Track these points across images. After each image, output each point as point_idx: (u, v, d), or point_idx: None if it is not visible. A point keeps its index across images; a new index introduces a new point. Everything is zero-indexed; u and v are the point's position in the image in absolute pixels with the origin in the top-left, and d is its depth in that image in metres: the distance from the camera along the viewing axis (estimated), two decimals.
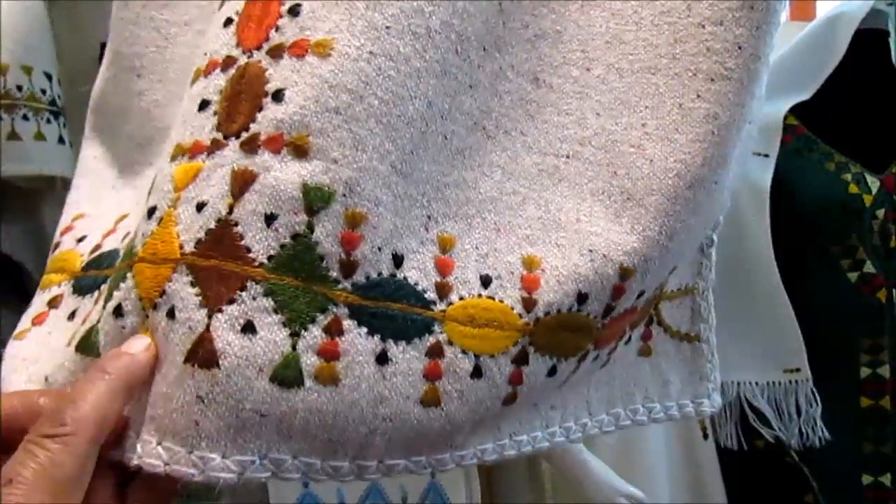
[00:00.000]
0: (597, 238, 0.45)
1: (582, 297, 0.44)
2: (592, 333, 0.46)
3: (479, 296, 0.43)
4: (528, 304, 0.43)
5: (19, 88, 0.73)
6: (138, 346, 0.38)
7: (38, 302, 0.49)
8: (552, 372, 0.45)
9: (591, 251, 0.44)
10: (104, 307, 0.41)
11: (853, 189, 0.89)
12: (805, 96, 0.92)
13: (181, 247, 0.38)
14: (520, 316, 0.43)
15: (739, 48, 0.45)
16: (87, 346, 0.41)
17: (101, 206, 0.53)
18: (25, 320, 0.48)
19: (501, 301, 0.43)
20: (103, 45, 0.82)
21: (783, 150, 0.90)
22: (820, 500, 0.87)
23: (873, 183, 0.90)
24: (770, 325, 0.88)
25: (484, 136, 0.45)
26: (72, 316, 0.46)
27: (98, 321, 0.41)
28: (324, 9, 0.40)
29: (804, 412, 0.87)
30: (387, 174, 0.40)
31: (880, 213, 0.89)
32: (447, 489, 0.80)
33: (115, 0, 0.56)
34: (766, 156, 0.89)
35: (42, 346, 0.46)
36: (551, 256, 0.45)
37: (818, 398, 0.87)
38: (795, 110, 0.93)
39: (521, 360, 0.43)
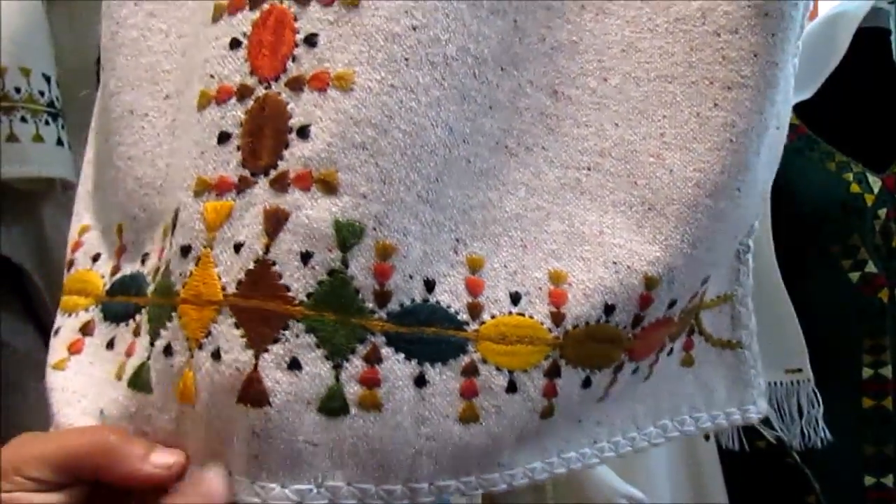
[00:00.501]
0: (620, 250, 0.45)
1: (609, 309, 0.44)
2: (623, 344, 0.46)
3: (510, 313, 0.44)
4: (557, 318, 0.44)
5: (17, 90, 0.73)
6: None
7: (68, 327, 0.50)
8: (587, 384, 0.46)
9: (615, 263, 0.45)
10: (152, 344, 0.43)
11: (854, 189, 0.89)
12: (806, 95, 0.92)
13: (223, 288, 0.39)
14: (549, 330, 0.44)
15: (755, 56, 0.45)
16: (139, 382, 0.43)
17: (92, 212, 0.53)
18: (59, 348, 0.49)
19: (531, 317, 0.44)
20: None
21: (784, 149, 0.90)
22: (822, 501, 0.87)
23: (875, 182, 0.89)
24: (771, 326, 0.87)
25: (507, 155, 0.45)
26: (110, 345, 0.48)
27: (148, 358, 0.43)
28: (341, 39, 0.40)
29: (806, 413, 0.87)
30: (413, 204, 0.41)
31: (882, 212, 0.88)
32: None
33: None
34: None
35: (87, 378, 0.47)
36: (577, 270, 0.45)
37: (820, 399, 0.87)
38: (796, 109, 0.93)
39: (553, 372, 0.44)
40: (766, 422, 0.87)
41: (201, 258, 0.41)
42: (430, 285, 0.42)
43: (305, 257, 0.39)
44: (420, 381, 0.41)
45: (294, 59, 0.41)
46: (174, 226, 0.44)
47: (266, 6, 0.42)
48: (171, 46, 0.50)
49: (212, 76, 0.43)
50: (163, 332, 0.42)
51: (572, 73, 0.47)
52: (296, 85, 0.40)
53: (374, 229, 0.39)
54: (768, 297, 0.87)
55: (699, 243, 0.46)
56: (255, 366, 0.38)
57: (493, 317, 0.43)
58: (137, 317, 0.46)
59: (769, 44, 0.45)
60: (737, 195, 0.46)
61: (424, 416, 0.41)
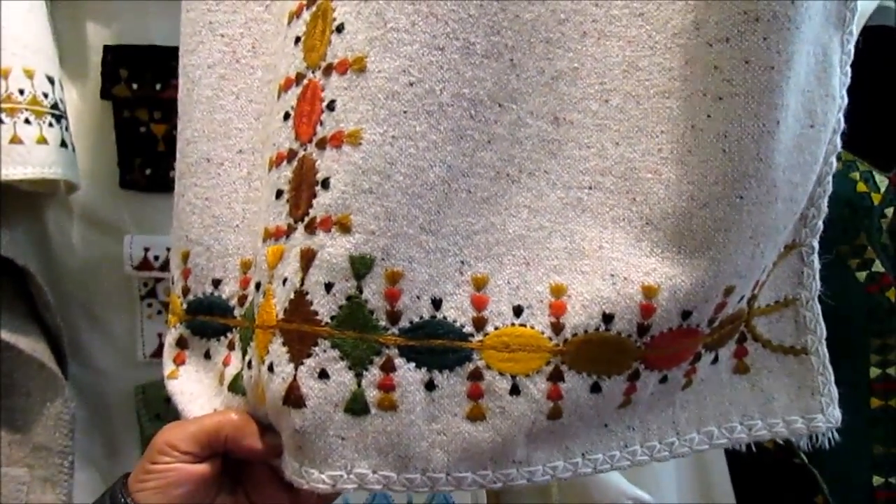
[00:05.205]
0: (618, 263, 0.48)
1: (607, 318, 0.47)
2: (632, 352, 0.48)
3: (512, 325, 0.49)
4: (557, 327, 0.48)
5: (21, 92, 0.72)
6: None
7: (169, 341, 0.59)
8: (595, 389, 0.49)
9: (612, 275, 0.48)
10: (243, 358, 0.53)
11: (861, 188, 0.88)
12: None
13: (277, 316, 0.48)
14: (549, 339, 0.48)
15: (747, 62, 0.45)
16: (236, 387, 0.53)
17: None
18: (168, 361, 0.59)
19: (532, 327, 0.49)
20: (106, 49, 0.83)
21: None
22: (830, 501, 0.86)
23: (882, 181, 0.89)
24: None
25: (508, 182, 0.49)
26: (207, 355, 0.58)
27: (241, 369, 0.53)
28: (352, 102, 0.46)
29: None
30: (416, 235, 0.47)
31: (889, 211, 0.88)
32: (452, 491, 0.79)
33: None
34: None
35: (198, 383, 0.57)
36: (576, 283, 0.48)
37: None
38: None
39: (555, 377, 0.48)
40: None
41: (266, 292, 0.50)
42: (437, 303, 0.48)
43: (329, 287, 0.46)
44: (430, 386, 0.47)
45: (321, 123, 0.47)
46: (254, 268, 0.53)
47: (306, 81, 0.49)
48: (242, 108, 0.57)
49: (274, 144, 0.52)
50: (249, 350, 0.52)
51: (574, 98, 0.50)
52: (322, 145, 0.47)
53: (383, 259, 0.46)
54: None
55: (698, 253, 0.47)
56: (295, 376, 0.47)
57: (496, 328, 0.48)
58: (229, 334, 0.56)
59: (761, 48, 0.44)
60: (739, 203, 0.46)
61: (435, 415, 0.48)
